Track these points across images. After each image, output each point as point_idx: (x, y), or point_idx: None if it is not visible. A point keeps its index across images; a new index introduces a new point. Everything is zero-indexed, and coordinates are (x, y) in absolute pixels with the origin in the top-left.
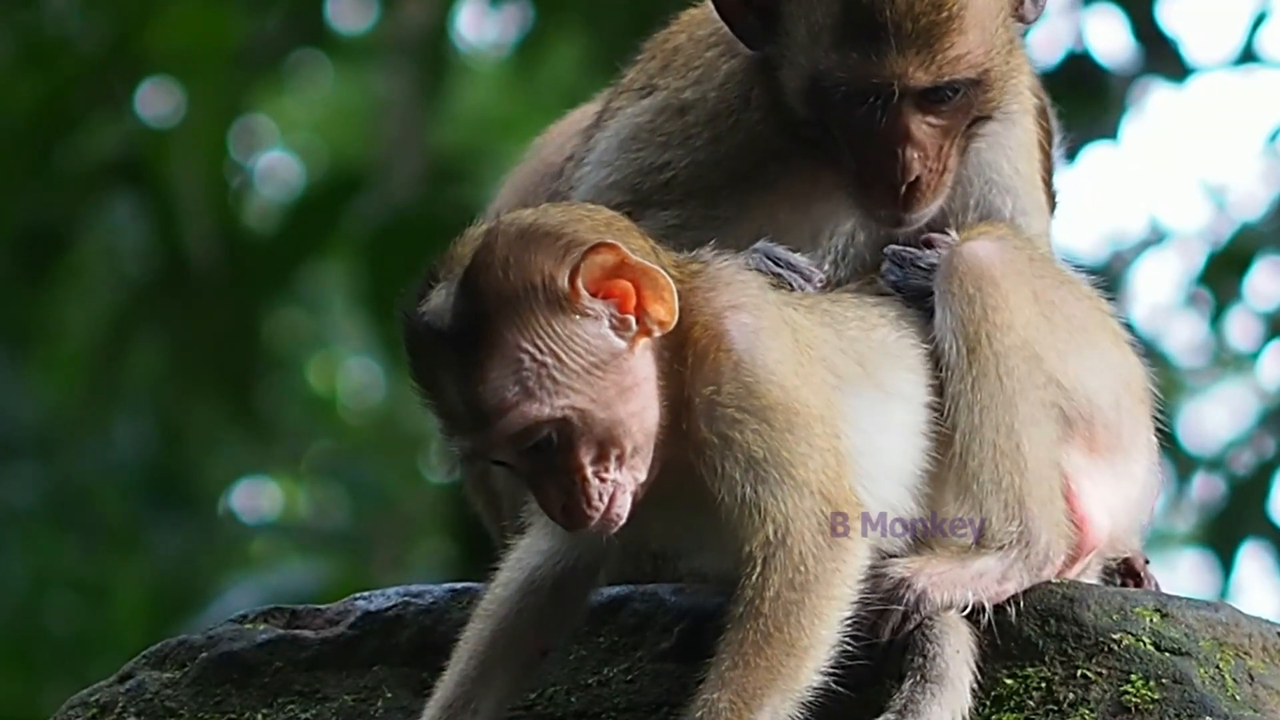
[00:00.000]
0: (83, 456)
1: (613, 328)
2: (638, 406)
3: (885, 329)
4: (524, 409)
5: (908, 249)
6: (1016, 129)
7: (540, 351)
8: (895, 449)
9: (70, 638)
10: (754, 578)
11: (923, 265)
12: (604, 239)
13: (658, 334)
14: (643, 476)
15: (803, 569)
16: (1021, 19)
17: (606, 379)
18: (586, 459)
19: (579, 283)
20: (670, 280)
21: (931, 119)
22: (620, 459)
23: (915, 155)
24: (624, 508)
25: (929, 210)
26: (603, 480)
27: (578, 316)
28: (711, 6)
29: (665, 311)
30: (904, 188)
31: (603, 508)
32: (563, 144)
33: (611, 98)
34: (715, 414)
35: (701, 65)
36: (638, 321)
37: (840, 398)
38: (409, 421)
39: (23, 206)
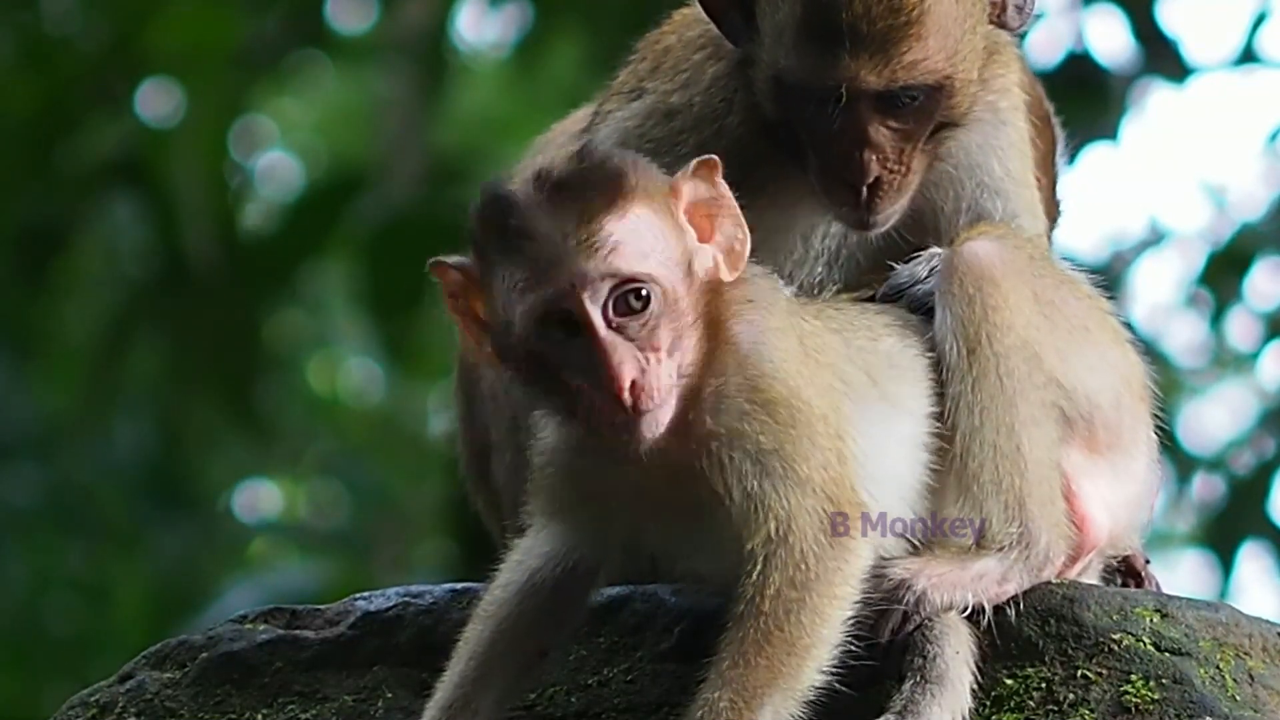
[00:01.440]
0: (83, 457)
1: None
2: (690, 336)
3: (891, 339)
4: (640, 257)
5: (903, 274)
6: (1006, 129)
7: (654, 232)
8: (898, 461)
9: (70, 638)
10: (755, 575)
11: (919, 294)
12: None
13: (709, 277)
14: (672, 409)
15: (803, 567)
16: (1004, 26)
17: (684, 290)
18: (662, 338)
19: (683, 191)
20: (747, 234)
21: (891, 123)
22: (676, 363)
23: (873, 158)
24: (666, 413)
25: (892, 211)
26: (659, 365)
27: (679, 226)
28: (699, 4)
29: (732, 256)
30: (865, 190)
31: (656, 395)
32: (564, 144)
33: (603, 100)
34: (722, 406)
35: (689, 69)
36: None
37: (847, 404)
38: (409, 422)
39: (23, 206)
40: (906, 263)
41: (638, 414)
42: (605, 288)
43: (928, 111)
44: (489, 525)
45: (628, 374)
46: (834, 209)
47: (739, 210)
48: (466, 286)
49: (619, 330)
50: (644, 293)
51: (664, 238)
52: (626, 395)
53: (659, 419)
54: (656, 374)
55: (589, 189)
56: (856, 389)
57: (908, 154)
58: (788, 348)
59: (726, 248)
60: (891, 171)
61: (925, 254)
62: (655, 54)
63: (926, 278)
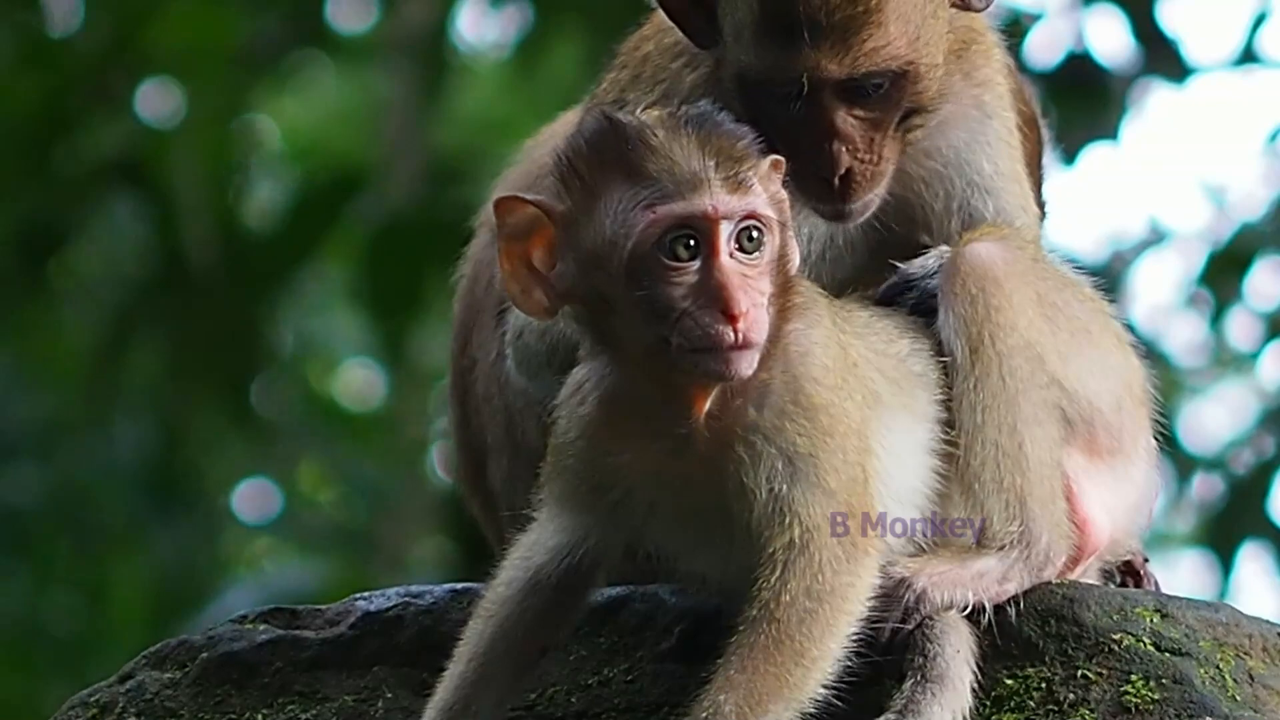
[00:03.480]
0: (83, 456)
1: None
2: (771, 308)
3: (905, 343)
4: (766, 204)
5: (914, 266)
6: (993, 122)
7: (766, 193)
8: (912, 470)
9: (70, 638)
10: (772, 580)
11: (931, 287)
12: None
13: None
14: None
15: (820, 578)
16: (967, 7)
17: (777, 254)
18: (765, 286)
19: (767, 177)
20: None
21: (857, 112)
22: (767, 303)
23: (843, 149)
24: (757, 356)
25: (868, 200)
26: (762, 307)
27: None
28: (661, 10)
29: (789, 257)
30: (837, 181)
31: (761, 330)
32: (553, 146)
33: (587, 109)
34: (767, 400)
35: (667, 79)
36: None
37: (874, 417)
38: (409, 422)
39: (23, 206)
40: (915, 257)
41: (745, 343)
42: (736, 223)
43: (893, 99)
44: (485, 529)
45: (745, 300)
46: (809, 203)
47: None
48: (533, 226)
49: (737, 263)
50: (763, 235)
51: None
52: (742, 320)
53: (753, 358)
54: (762, 313)
55: (729, 134)
56: (883, 399)
57: (878, 142)
58: (834, 357)
59: (787, 244)
60: (863, 161)
61: (935, 250)
62: (635, 62)
63: (936, 271)
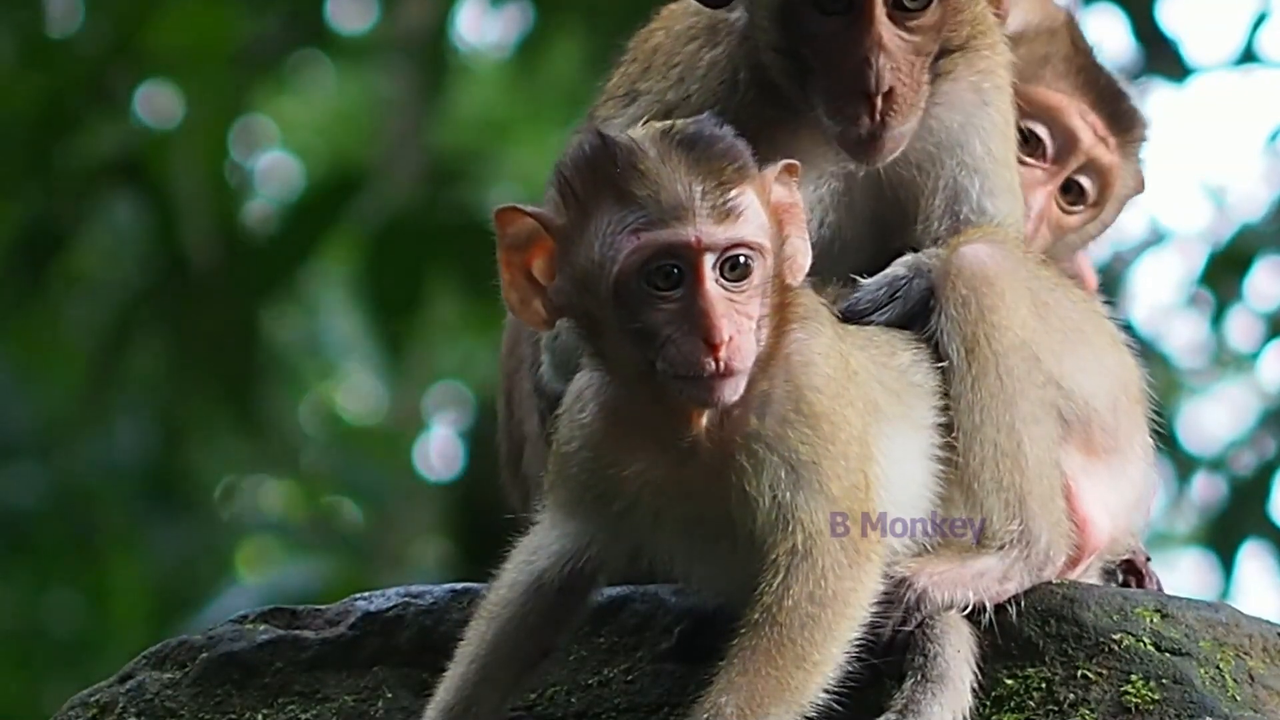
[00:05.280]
0: (83, 456)
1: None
2: (764, 325)
3: (906, 355)
4: (757, 229)
5: (884, 281)
6: (989, 109)
7: (761, 213)
8: (912, 476)
9: (70, 638)
10: (775, 585)
11: (915, 293)
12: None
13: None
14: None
15: (823, 583)
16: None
17: (770, 274)
18: (754, 310)
19: (771, 187)
20: (809, 247)
21: (903, 33)
22: (757, 339)
23: (888, 65)
24: (743, 382)
25: (901, 133)
26: (749, 332)
27: (770, 215)
28: None
29: (795, 265)
30: (879, 100)
31: (746, 357)
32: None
33: (597, 104)
34: (769, 410)
35: (681, 61)
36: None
37: (874, 426)
38: (409, 421)
39: (23, 206)
40: (876, 274)
41: (727, 371)
42: (720, 252)
43: (935, 25)
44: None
45: (727, 328)
46: (843, 130)
47: (805, 221)
48: (533, 237)
49: (722, 289)
50: (751, 261)
51: (765, 221)
52: (724, 349)
53: (738, 384)
54: (748, 339)
55: (720, 156)
56: (883, 409)
57: (917, 70)
58: (836, 365)
59: (791, 254)
60: (904, 84)
61: (900, 261)
62: (645, 54)
63: (913, 276)
